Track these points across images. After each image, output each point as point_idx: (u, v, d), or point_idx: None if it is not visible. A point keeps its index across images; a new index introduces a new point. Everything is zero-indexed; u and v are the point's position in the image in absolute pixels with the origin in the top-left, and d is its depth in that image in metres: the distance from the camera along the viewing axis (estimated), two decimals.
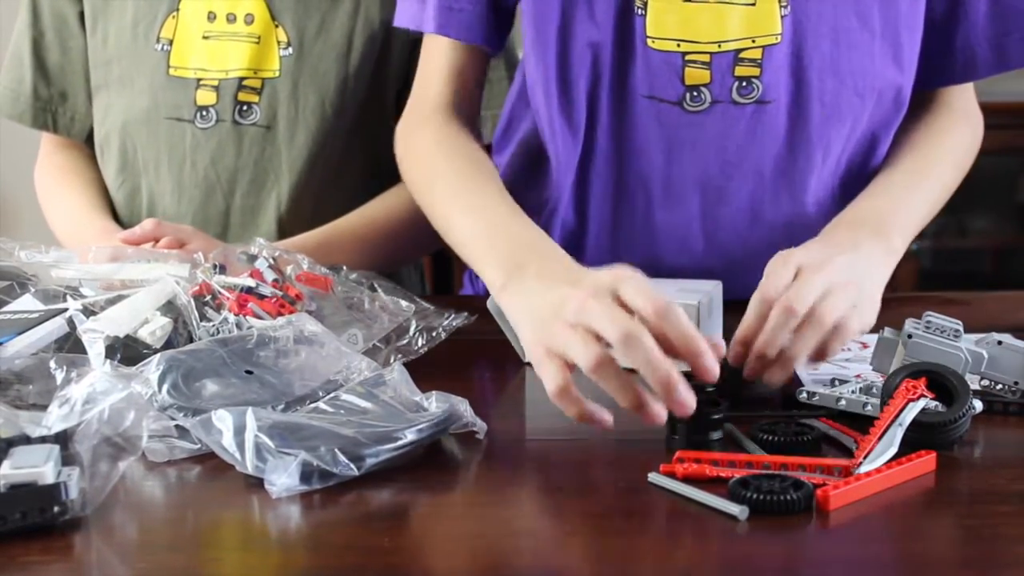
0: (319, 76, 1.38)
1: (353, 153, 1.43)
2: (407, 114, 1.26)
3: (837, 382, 0.96)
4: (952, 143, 1.21)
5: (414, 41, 1.41)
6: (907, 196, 1.13)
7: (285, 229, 1.40)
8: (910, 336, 0.93)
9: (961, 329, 0.94)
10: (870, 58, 1.15)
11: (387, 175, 1.45)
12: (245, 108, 1.39)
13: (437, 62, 1.24)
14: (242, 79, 1.38)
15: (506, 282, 0.98)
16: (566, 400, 0.86)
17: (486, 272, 1.02)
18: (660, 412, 0.84)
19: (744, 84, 1.14)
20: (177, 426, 0.87)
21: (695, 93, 1.15)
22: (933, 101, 1.24)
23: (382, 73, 1.42)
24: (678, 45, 1.15)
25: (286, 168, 1.40)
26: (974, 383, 0.92)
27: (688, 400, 0.83)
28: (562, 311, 0.87)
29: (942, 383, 0.87)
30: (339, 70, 1.39)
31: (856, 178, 1.21)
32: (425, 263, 1.77)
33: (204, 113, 1.39)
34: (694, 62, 1.15)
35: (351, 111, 1.40)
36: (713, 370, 0.85)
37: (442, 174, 1.16)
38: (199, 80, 1.39)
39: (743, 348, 0.94)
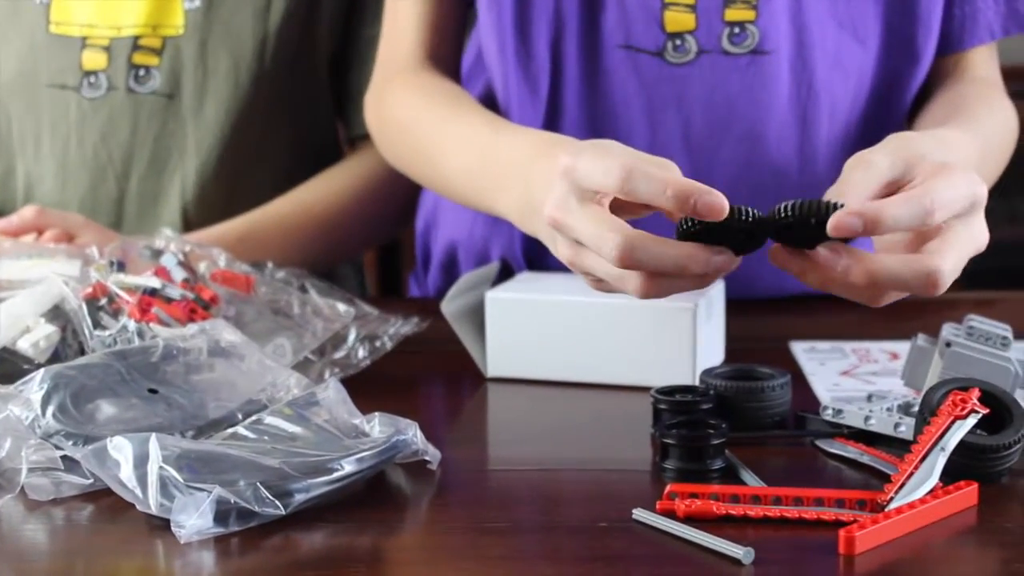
0: (232, 35, 1.38)
1: (276, 130, 1.42)
2: (374, 80, 1.28)
3: (874, 398, 0.97)
4: (996, 120, 1.22)
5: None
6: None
7: (191, 220, 1.40)
8: (949, 344, 0.93)
9: (1010, 336, 0.94)
10: (871, 1, 1.17)
11: (319, 158, 1.45)
12: (142, 73, 1.38)
13: (404, 15, 1.25)
14: (138, 38, 1.38)
15: (521, 212, 1.00)
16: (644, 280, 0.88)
17: (500, 209, 1.05)
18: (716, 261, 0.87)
19: (736, 31, 1.15)
20: (64, 457, 0.86)
21: (678, 42, 1.16)
22: (957, 74, 1.25)
23: (310, 34, 1.41)
24: None
25: (192, 146, 1.39)
26: None
27: (714, 201, 0.85)
28: (556, 247, 0.93)
29: (992, 402, 0.87)
30: (256, 28, 1.38)
31: (870, 145, 1.22)
32: (368, 259, 1.77)
33: (92, 79, 1.38)
34: (676, 4, 1.15)
35: (273, 78, 1.40)
36: (719, 204, 0.85)
37: (417, 121, 1.18)
38: (85, 39, 1.38)
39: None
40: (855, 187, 0.88)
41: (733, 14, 1.16)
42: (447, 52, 1.26)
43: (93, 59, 1.38)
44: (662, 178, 0.86)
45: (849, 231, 0.84)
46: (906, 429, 0.90)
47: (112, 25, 1.38)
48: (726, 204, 0.85)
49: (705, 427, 0.89)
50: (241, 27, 1.38)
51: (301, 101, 1.44)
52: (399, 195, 1.41)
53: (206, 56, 1.38)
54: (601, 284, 0.92)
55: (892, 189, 0.89)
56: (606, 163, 0.88)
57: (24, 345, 0.98)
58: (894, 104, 1.23)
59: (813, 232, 0.85)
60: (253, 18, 1.38)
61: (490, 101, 1.27)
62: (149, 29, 1.38)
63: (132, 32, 1.38)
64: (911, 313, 1.22)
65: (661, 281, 0.88)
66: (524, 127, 1.10)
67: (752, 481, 0.86)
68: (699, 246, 0.86)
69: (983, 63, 1.26)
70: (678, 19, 1.16)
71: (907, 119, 1.27)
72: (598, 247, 0.87)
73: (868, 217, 0.84)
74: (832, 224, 0.84)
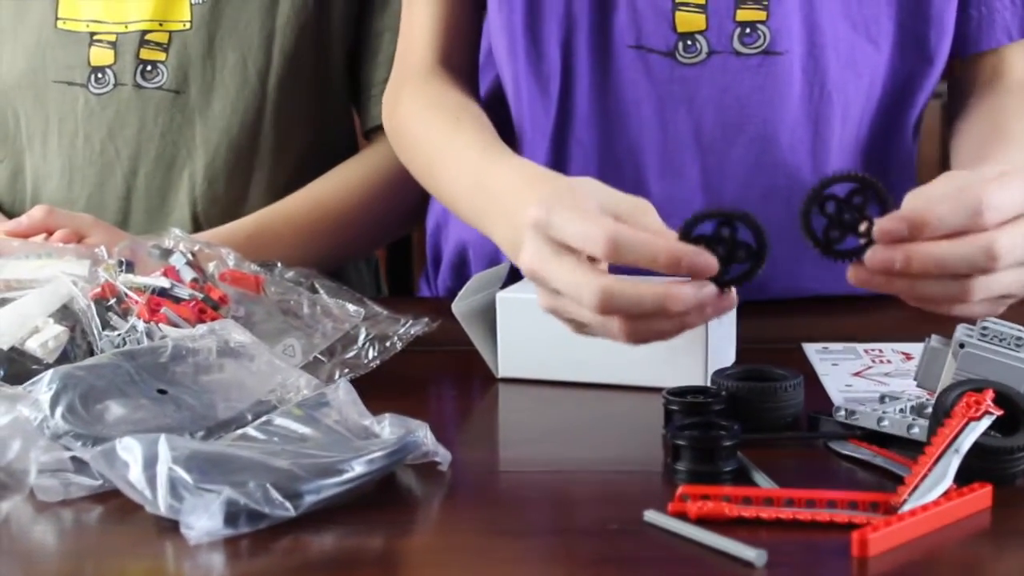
0: (240, 29, 1.38)
1: (288, 126, 1.42)
2: (391, 82, 1.30)
3: (887, 399, 0.97)
4: None
5: None
6: None
7: (200, 217, 1.40)
8: (962, 345, 0.93)
9: None
10: (884, 1, 1.17)
11: (335, 154, 1.45)
12: (149, 68, 1.38)
13: (419, 17, 1.26)
14: (145, 33, 1.38)
15: (511, 245, 1.01)
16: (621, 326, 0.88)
17: (494, 238, 1.06)
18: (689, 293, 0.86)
19: (747, 31, 1.15)
20: (73, 458, 0.86)
21: (689, 42, 1.16)
22: (995, 80, 1.24)
23: (321, 28, 1.41)
24: None
25: (200, 142, 1.39)
26: None
27: (703, 262, 0.85)
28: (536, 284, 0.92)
29: (1006, 403, 0.87)
30: (264, 22, 1.38)
31: (879, 148, 1.22)
32: (380, 260, 1.77)
33: (99, 75, 1.38)
34: (686, 5, 1.16)
35: (282, 74, 1.40)
36: (708, 264, 0.86)
37: (424, 137, 1.20)
38: (92, 35, 1.39)
39: (904, 230, 0.87)
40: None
41: (744, 14, 1.16)
42: (461, 55, 1.27)
43: (100, 55, 1.39)
44: (652, 248, 0.86)
45: (894, 236, 0.85)
46: (919, 431, 0.90)
47: (119, 20, 1.39)
48: (715, 264, 0.86)
49: (717, 428, 0.89)
50: (248, 21, 1.38)
51: (314, 97, 1.44)
52: (411, 192, 1.41)
53: (213, 51, 1.38)
54: (585, 329, 0.92)
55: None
56: (586, 228, 0.88)
57: (33, 345, 0.99)
58: (907, 105, 1.23)
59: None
60: (260, 12, 1.38)
61: (499, 96, 1.27)
62: (156, 24, 1.38)
63: (139, 27, 1.38)
64: (924, 314, 1.22)
65: (644, 323, 0.88)
66: (515, 156, 1.10)
67: (764, 483, 0.86)
68: (678, 283, 0.86)
69: (1021, 64, 1.25)
70: (689, 19, 1.17)
71: (946, 129, 1.26)
72: (578, 296, 0.87)
73: (913, 220, 0.85)
74: (879, 231, 0.85)
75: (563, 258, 0.89)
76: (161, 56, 1.38)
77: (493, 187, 1.06)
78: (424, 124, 1.21)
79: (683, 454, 0.87)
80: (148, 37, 1.38)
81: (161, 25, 1.38)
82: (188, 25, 1.38)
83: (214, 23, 1.38)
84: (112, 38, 1.39)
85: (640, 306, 0.86)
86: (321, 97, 1.45)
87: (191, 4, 1.38)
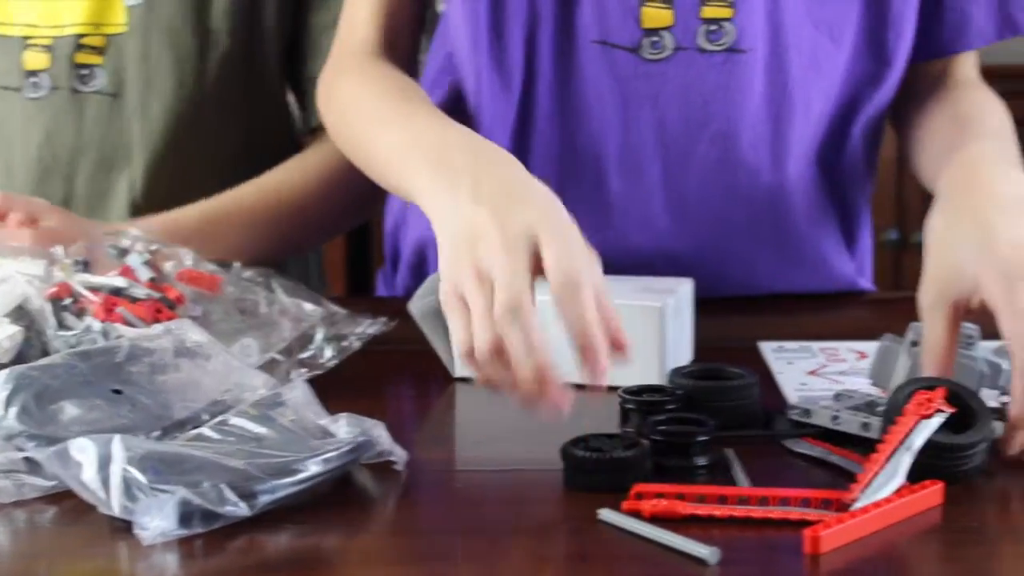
0: (173, 31, 1.37)
1: (226, 126, 1.41)
2: (329, 64, 1.29)
3: (842, 397, 0.97)
4: (995, 121, 1.21)
5: None
6: None
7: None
8: (915, 344, 0.94)
9: (976, 335, 0.95)
10: (849, 3, 1.18)
11: (273, 153, 1.44)
12: (85, 72, 1.37)
13: (361, 7, 1.26)
14: (80, 36, 1.37)
15: (431, 182, 0.96)
16: (472, 364, 0.87)
17: (411, 179, 1.00)
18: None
19: (713, 28, 1.16)
20: (27, 458, 0.86)
21: (655, 38, 1.16)
22: (946, 78, 1.25)
23: (255, 28, 1.41)
24: None
25: (139, 144, 1.39)
26: (991, 400, 0.93)
27: (556, 400, 0.86)
28: (476, 247, 0.88)
29: (957, 401, 0.88)
30: (196, 23, 1.38)
31: (835, 148, 1.23)
32: (338, 257, 1.77)
33: (35, 80, 1.37)
34: (654, 0, 1.16)
35: (217, 74, 1.39)
36: (600, 369, 0.86)
37: (362, 103, 1.17)
38: (26, 39, 1.38)
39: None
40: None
41: (710, 11, 1.16)
42: (402, 47, 1.26)
43: (35, 59, 1.38)
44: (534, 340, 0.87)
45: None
46: (873, 428, 0.90)
47: (53, 24, 1.38)
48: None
49: (689, 424, 0.89)
50: (182, 23, 1.37)
51: (251, 96, 1.43)
52: (363, 181, 1.41)
53: (149, 54, 1.37)
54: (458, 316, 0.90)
55: (960, 309, 0.93)
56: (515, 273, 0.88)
57: None
58: (864, 107, 1.24)
59: None
60: (193, 13, 1.37)
61: (453, 107, 1.26)
62: (91, 27, 1.38)
63: (74, 31, 1.37)
64: (881, 313, 1.23)
65: (503, 351, 0.87)
66: (465, 129, 1.05)
67: (742, 480, 0.86)
68: (556, 373, 0.87)
69: (971, 65, 1.27)
70: (655, 15, 1.17)
71: (897, 123, 1.27)
72: (508, 280, 0.86)
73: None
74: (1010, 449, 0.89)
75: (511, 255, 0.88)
76: (98, 60, 1.38)
77: (442, 141, 1.01)
78: (367, 94, 1.18)
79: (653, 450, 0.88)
80: (83, 41, 1.37)
81: (97, 28, 1.37)
82: (124, 28, 1.37)
83: (149, 25, 1.37)
84: (47, 42, 1.38)
85: (526, 339, 0.86)
86: (259, 95, 1.44)
87: (127, 7, 1.37)
